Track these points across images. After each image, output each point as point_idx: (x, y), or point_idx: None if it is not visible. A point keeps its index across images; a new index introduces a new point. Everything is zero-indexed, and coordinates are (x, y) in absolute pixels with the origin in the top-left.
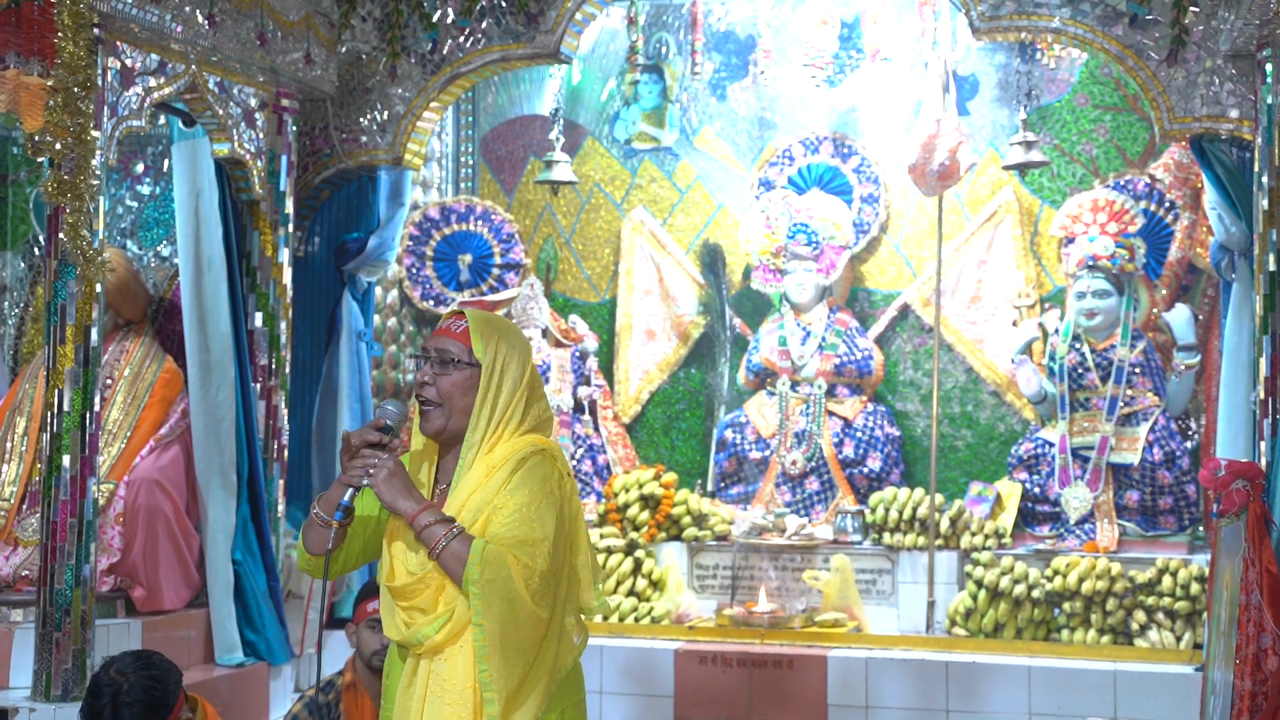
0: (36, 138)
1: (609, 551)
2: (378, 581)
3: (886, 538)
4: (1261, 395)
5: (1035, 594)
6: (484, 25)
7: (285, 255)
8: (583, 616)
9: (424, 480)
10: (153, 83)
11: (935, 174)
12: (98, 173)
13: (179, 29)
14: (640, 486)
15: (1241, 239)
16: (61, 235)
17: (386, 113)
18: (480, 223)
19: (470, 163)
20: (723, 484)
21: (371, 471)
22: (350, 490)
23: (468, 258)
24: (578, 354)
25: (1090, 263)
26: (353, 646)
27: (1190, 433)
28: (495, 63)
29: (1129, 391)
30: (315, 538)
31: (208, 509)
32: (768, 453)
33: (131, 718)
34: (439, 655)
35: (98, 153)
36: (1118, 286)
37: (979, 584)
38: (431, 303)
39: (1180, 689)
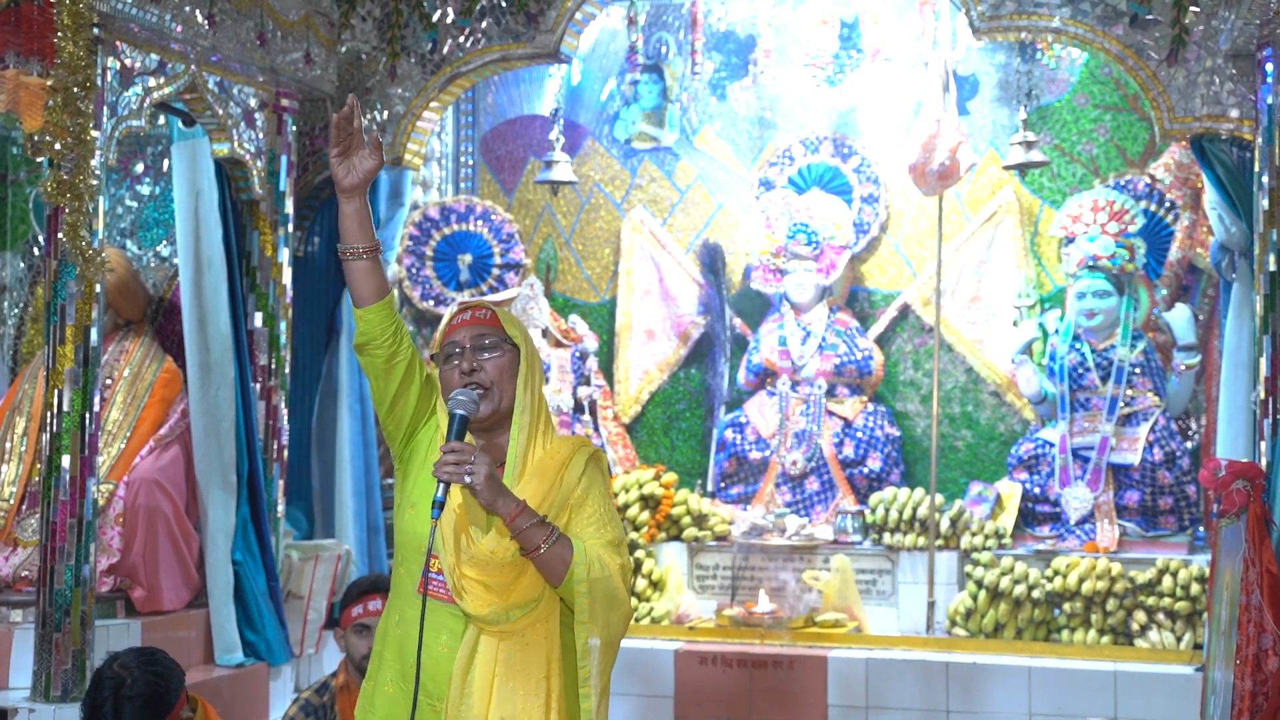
0: (36, 138)
1: None
2: (417, 547)
3: (887, 538)
4: (1262, 395)
5: (1035, 594)
6: (484, 25)
7: (285, 255)
8: None
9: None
10: (152, 83)
11: (935, 174)
12: (97, 173)
13: (179, 29)
14: (640, 486)
15: (1242, 239)
16: (61, 235)
17: (386, 112)
18: (480, 223)
19: (470, 163)
20: (723, 484)
21: (471, 470)
22: (441, 486)
23: (468, 258)
24: (578, 354)
25: (1090, 263)
26: (342, 651)
27: (1190, 433)
28: (495, 62)
29: (1129, 392)
30: (355, 278)
31: (207, 509)
32: (768, 453)
33: (133, 712)
34: (515, 638)
35: (97, 153)
36: (1118, 286)
37: (979, 584)
38: (431, 303)
39: (1180, 689)
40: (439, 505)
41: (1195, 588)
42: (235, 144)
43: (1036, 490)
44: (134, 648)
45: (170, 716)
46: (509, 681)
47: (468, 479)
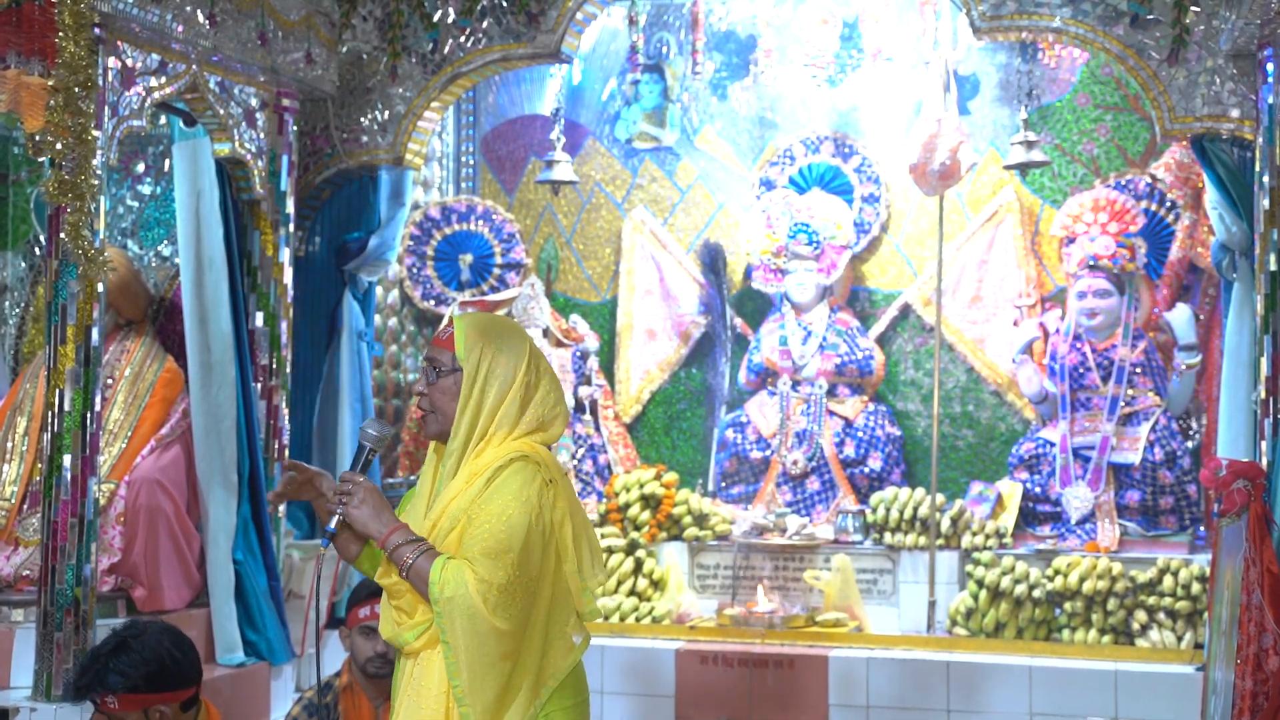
0: (37, 137)
1: (610, 551)
2: (371, 583)
3: (887, 537)
4: (1263, 395)
5: (1036, 594)
6: (485, 25)
7: (286, 255)
8: (584, 620)
9: (429, 483)
10: (153, 82)
11: (936, 174)
12: (98, 172)
13: (180, 29)
14: (641, 486)
15: (1242, 238)
16: (62, 235)
17: (387, 112)
18: (481, 222)
19: (471, 162)
20: (724, 484)
21: (344, 500)
22: (333, 518)
23: (468, 257)
24: (579, 354)
25: (1091, 262)
26: (346, 650)
27: (1191, 432)
28: (496, 62)
29: (1130, 391)
30: (341, 550)
31: (208, 509)
32: (769, 452)
33: (128, 663)
34: (418, 659)
35: (98, 152)
36: (1119, 286)
37: (980, 584)
38: (432, 302)
39: (1181, 689)
40: (329, 536)
41: (1196, 587)
42: (236, 144)
43: (1037, 490)
44: (170, 625)
45: (160, 695)
46: (414, 700)
47: (340, 509)
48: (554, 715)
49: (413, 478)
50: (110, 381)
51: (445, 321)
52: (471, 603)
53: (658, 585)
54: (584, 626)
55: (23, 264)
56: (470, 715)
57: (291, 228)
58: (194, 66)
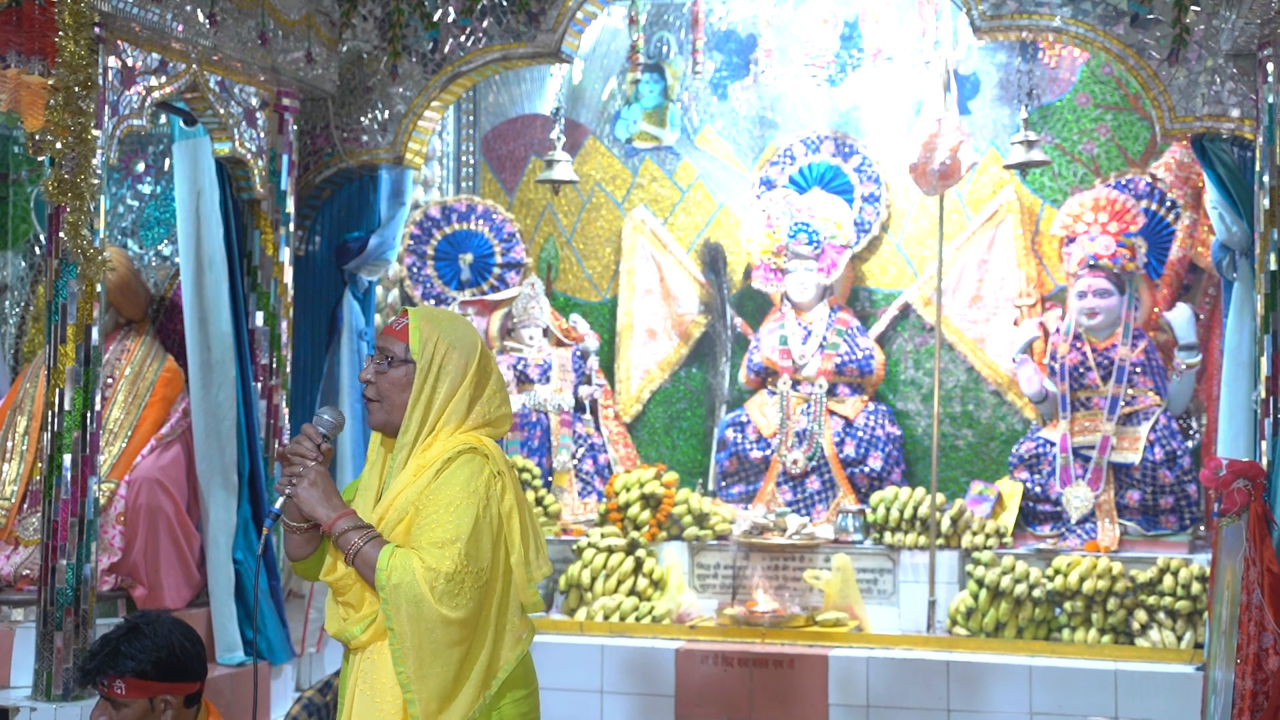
0: (37, 137)
1: (610, 551)
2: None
3: (887, 537)
4: (1263, 394)
5: (1036, 593)
6: (485, 24)
7: (286, 254)
8: (527, 611)
9: (378, 475)
10: (154, 82)
11: (936, 173)
12: (98, 172)
13: (180, 28)
14: (641, 486)
15: (1243, 238)
16: (62, 234)
17: (387, 112)
18: (481, 222)
19: (471, 162)
20: (724, 483)
21: (294, 480)
22: (280, 498)
23: (469, 257)
24: (579, 353)
25: (1091, 262)
26: None
27: (1191, 432)
28: (496, 62)
29: (1130, 391)
30: (288, 543)
31: (209, 508)
32: (769, 452)
33: (140, 648)
34: (367, 653)
35: (98, 152)
36: (1119, 286)
37: (980, 583)
38: (432, 302)
39: (1181, 688)
40: (272, 516)
41: (1196, 587)
42: (236, 143)
43: (1037, 489)
44: (181, 619)
45: (168, 685)
46: (369, 695)
47: (289, 489)
48: (505, 707)
49: None
50: (110, 381)
51: (400, 314)
52: (418, 590)
53: (658, 585)
54: (530, 623)
55: (23, 263)
56: (415, 702)
57: (292, 227)
58: (194, 66)
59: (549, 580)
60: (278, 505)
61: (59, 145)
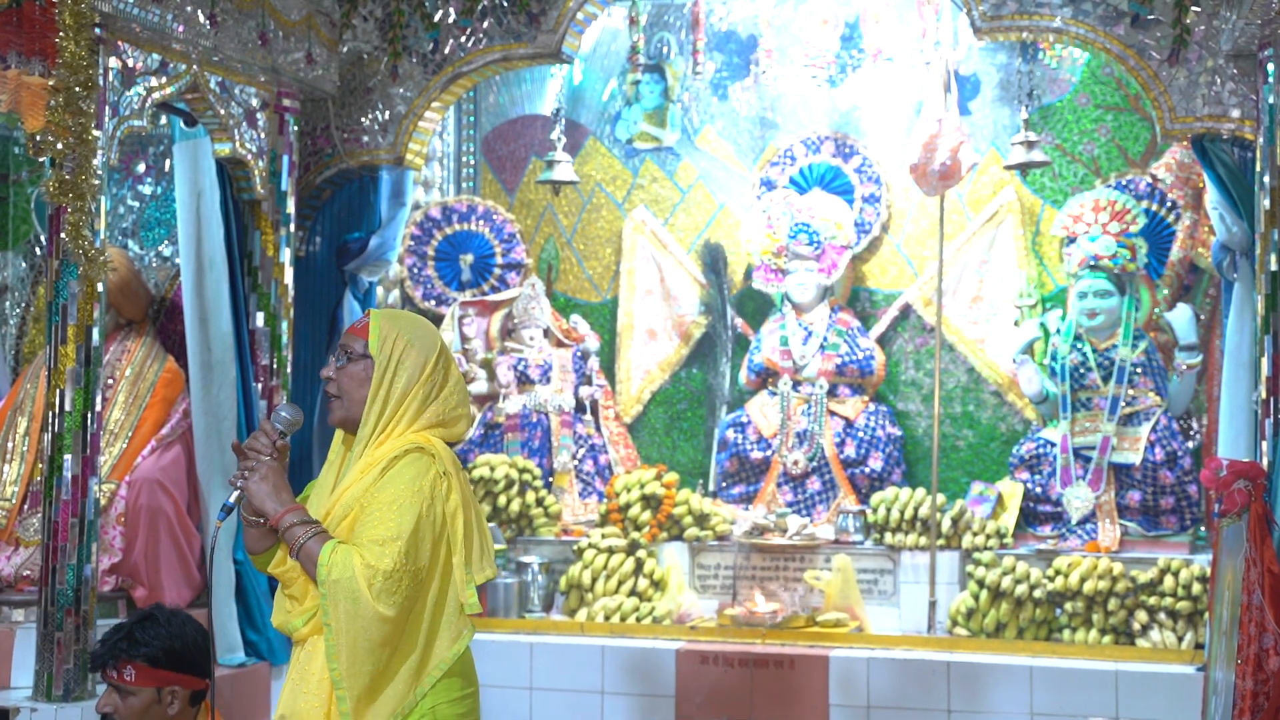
0: (38, 137)
1: (610, 551)
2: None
3: (888, 538)
4: (1263, 395)
5: (1037, 594)
6: (485, 25)
7: (287, 255)
8: (465, 611)
9: (334, 473)
10: (154, 82)
11: (937, 174)
12: (99, 172)
13: (180, 29)
14: (642, 486)
15: (1243, 238)
16: (63, 235)
17: (388, 112)
18: (482, 222)
19: (472, 162)
20: (724, 484)
21: (246, 474)
22: (235, 492)
23: (469, 257)
24: (579, 354)
25: (1092, 262)
26: None
27: (1192, 433)
28: (497, 62)
29: (1130, 391)
30: (246, 537)
31: (209, 509)
32: (769, 452)
33: (154, 634)
34: (305, 645)
35: (99, 152)
36: (1119, 286)
37: (980, 584)
38: (433, 303)
39: (1182, 689)
40: (225, 509)
41: (1197, 587)
42: (237, 144)
43: (1038, 490)
44: (197, 621)
45: (177, 675)
46: (298, 684)
47: (240, 482)
48: (441, 707)
49: None
50: (111, 381)
51: (364, 314)
52: (356, 587)
53: (658, 585)
54: (469, 618)
55: (23, 264)
56: (346, 699)
57: (292, 228)
58: (195, 66)
59: (549, 581)
60: (232, 498)
61: (60, 146)
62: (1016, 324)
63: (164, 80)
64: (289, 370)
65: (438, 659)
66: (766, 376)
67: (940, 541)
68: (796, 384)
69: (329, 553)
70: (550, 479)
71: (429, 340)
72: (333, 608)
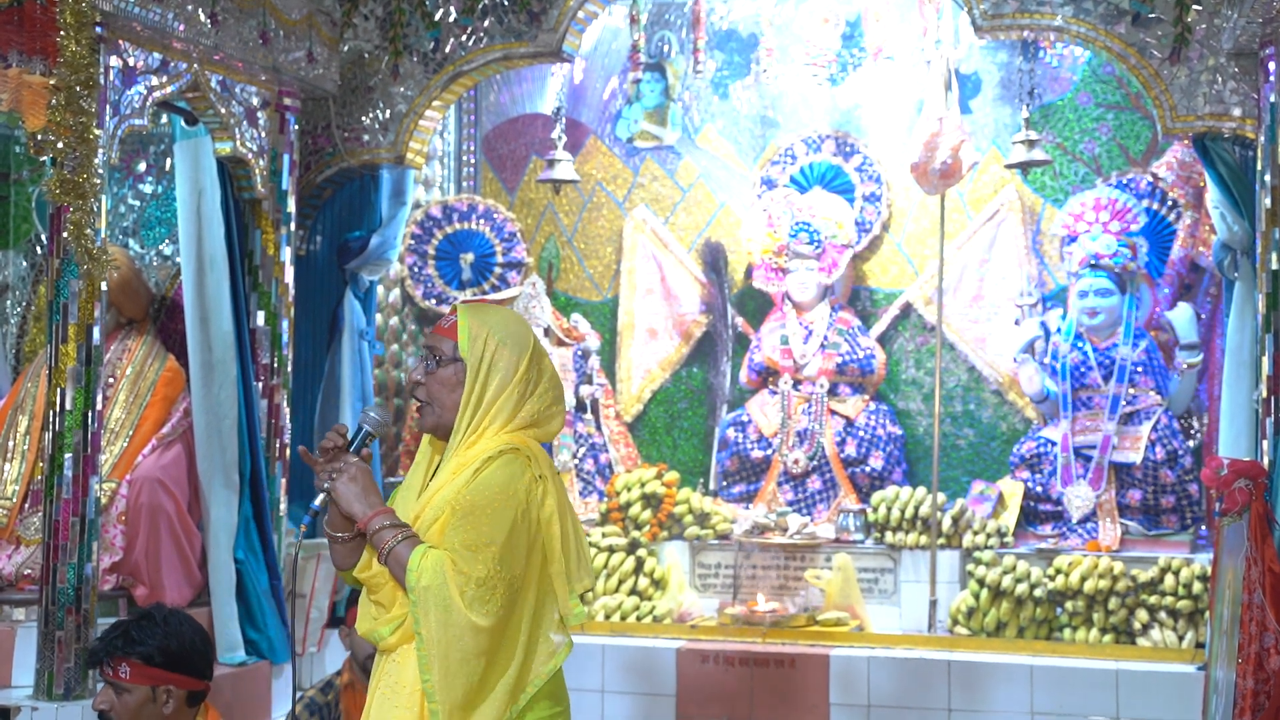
0: (39, 136)
1: (610, 550)
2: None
3: (889, 537)
4: (1264, 394)
5: (1037, 593)
6: (486, 24)
7: (287, 254)
8: (568, 624)
9: (421, 475)
10: (155, 81)
11: (937, 172)
12: (100, 171)
13: (181, 28)
14: (642, 485)
15: (1244, 237)
16: (64, 234)
17: (388, 111)
18: (482, 221)
19: (472, 161)
20: (725, 483)
21: (334, 475)
22: (320, 495)
23: (470, 256)
24: (580, 353)
25: (1092, 261)
26: (347, 649)
27: (1192, 432)
28: (497, 61)
29: (1131, 390)
30: (333, 553)
31: (210, 508)
32: (770, 451)
33: (149, 634)
34: (393, 655)
35: (100, 151)
36: (1120, 285)
37: (981, 583)
38: (433, 301)
39: (1182, 688)
40: (311, 512)
41: (1197, 586)
42: (238, 143)
43: (1038, 489)
44: (199, 623)
45: (173, 675)
46: (388, 696)
47: (327, 484)
48: None
49: None
50: (112, 380)
51: (449, 310)
52: (447, 594)
53: (659, 584)
54: (567, 631)
55: (24, 263)
56: (439, 713)
57: (293, 227)
58: (195, 65)
59: None
60: (318, 501)
61: (61, 145)
62: (1017, 323)
63: (165, 79)
64: (289, 369)
65: (534, 675)
66: (767, 375)
67: (941, 540)
68: (797, 383)
69: (419, 558)
70: None
71: (522, 337)
72: (423, 616)
